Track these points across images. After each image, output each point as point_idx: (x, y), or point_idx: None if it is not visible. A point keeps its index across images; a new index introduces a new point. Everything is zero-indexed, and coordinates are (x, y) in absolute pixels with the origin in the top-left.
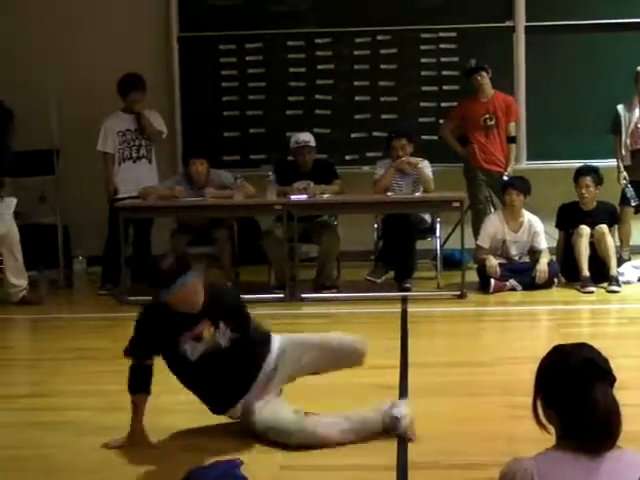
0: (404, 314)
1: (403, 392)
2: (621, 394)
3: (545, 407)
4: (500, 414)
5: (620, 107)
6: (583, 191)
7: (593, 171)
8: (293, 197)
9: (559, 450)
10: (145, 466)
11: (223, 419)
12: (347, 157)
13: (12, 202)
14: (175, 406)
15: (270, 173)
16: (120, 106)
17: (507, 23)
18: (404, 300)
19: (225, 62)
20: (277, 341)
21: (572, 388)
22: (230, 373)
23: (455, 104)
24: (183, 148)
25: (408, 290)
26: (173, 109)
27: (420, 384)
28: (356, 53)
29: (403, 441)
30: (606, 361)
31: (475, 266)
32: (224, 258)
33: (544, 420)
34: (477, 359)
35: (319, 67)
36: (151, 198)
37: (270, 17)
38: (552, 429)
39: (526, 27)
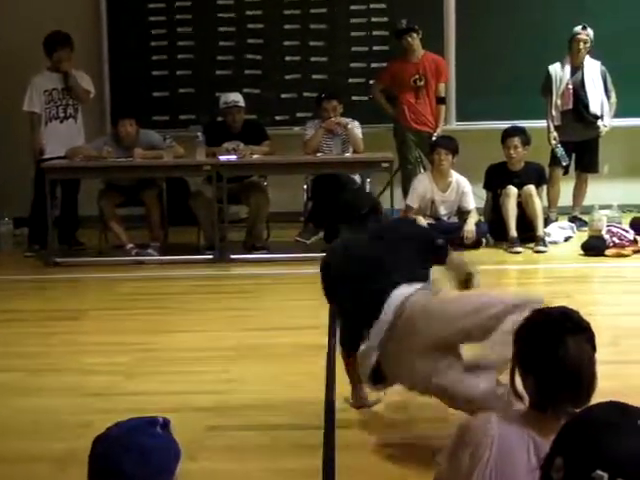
0: None
1: (331, 350)
2: None
3: (522, 372)
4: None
5: (551, 68)
6: (511, 152)
7: (521, 132)
8: (222, 157)
9: (524, 420)
10: (78, 428)
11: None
12: (277, 117)
13: None
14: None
15: (199, 133)
16: (47, 65)
17: None
18: None
19: (154, 21)
20: None
21: (544, 341)
22: None
23: (385, 65)
24: (111, 108)
25: None
26: (101, 69)
27: None
28: (286, 12)
29: (330, 399)
30: (583, 319)
31: None
32: (153, 219)
33: (520, 389)
34: None
35: (249, 26)
36: (78, 158)
37: None
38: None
39: None
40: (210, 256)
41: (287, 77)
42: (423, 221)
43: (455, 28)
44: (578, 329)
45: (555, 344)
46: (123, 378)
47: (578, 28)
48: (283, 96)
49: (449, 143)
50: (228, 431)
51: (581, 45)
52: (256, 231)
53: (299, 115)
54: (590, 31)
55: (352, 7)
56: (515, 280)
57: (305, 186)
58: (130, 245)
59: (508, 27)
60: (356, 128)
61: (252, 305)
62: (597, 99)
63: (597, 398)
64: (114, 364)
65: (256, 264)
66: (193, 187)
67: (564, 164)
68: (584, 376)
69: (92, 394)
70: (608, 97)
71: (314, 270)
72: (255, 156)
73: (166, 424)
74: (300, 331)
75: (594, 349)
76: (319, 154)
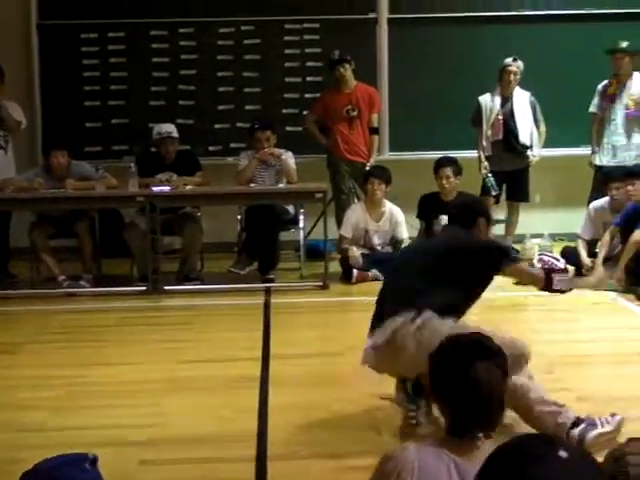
0: (267, 305)
1: (265, 383)
2: None
3: (435, 397)
4: (364, 403)
5: (482, 98)
6: (443, 182)
7: (453, 162)
8: (155, 189)
9: (440, 444)
10: (8, 465)
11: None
12: (210, 148)
13: None
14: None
15: (132, 164)
16: None
17: (370, 15)
18: (268, 291)
19: (87, 51)
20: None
21: (455, 366)
22: None
23: (318, 95)
24: (43, 139)
25: (272, 281)
26: (33, 99)
27: (282, 375)
28: (220, 43)
29: (263, 432)
30: (493, 345)
31: (339, 257)
32: (85, 250)
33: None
34: (339, 349)
35: (182, 57)
36: (9, 190)
37: (133, 6)
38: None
39: (389, 19)
40: (143, 287)
41: (220, 108)
42: (356, 251)
43: (388, 59)
44: (488, 354)
45: (465, 369)
46: (55, 413)
47: (509, 60)
48: (216, 127)
49: (382, 173)
50: (160, 465)
51: (511, 77)
52: (190, 262)
53: (233, 146)
54: (520, 63)
55: (285, 38)
56: None
57: (239, 217)
58: (62, 277)
59: (440, 58)
60: (290, 159)
61: (185, 337)
62: (527, 129)
63: None
64: (47, 398)
65: (190, 295)
66: (126, 218)
67: (494, 194)
68: (494, 400)
69: (24, 430)
70: (537, 127)
71: (248, 301)
72: (188, 187)
73: (94, 461)
74: (234, 363)
75: (505, 374)
76: (252, 185)
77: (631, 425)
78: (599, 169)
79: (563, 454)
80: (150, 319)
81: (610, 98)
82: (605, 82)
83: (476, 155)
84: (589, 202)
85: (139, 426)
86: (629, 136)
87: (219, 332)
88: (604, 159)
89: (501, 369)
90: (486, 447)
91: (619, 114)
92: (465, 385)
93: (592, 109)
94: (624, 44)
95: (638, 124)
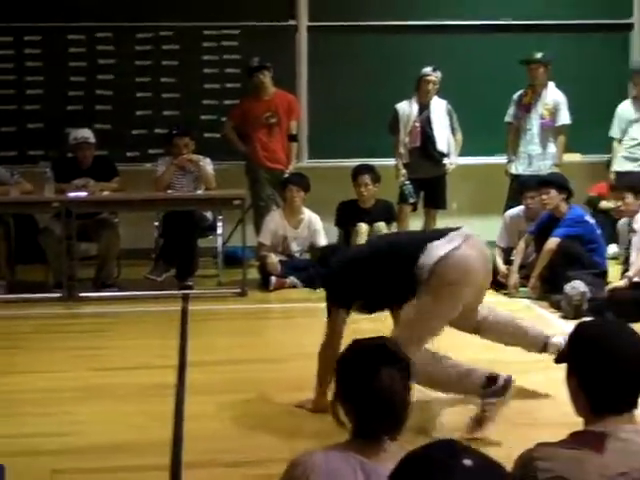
0: (184, 312)
1: (181, 390)
2: None
3: (342, 401)
4: (281, 411)
5: (399, 106)
6: (362, 189)
7: (371, 169)
8: (71, 194)
9: (347, 447)
10: None
11: None
12: (128, 154)
13: None
14: None
15: (48, 169)
16: None
17: (290, 22)
18: (185, 298)
19: (1, 55)
20: None
21: (360, 372)
22: None
23: (237, 102)
24: None
25: (189, 288)
26: None
27: (198, 382)
28: (138, 48)
29: (178, 440)
30: (398, 351)
31: (257, 264)
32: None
33: (342, 417)
34: (256, 356)
35: (100, 62)
36: None
37: (50, 9)
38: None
39: (308, 26)
40: (59, 294)
41: (138, 113)
42: (275, 258)
43: (307, 66)
44: (393, 360)
45: (369, 375)
46: None
47: (428, 69)
48: (134, 132)
49: (301, 180)
50: (74, 474)
51: (430, 86)
52: (106, 268)
53: (151, 152)
54: (439, 73)
55: (204, 44)
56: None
57: (156, 223)
58: None
59: (358, 66)
60: (208, 165)
61: (101, 344)
62: (444, 137)
63: None
64: None
65: (106, 302)
66: (42, 224)
67: (412, 201)
68: (397, 405)
69: None
70: (454, 135)
71: (165, 308)
72: (105, 193)
73: (1, 470)
74: (149, 370)
75: (409, 379)
76: (170, 191)
77: (539, 431)
78: (515, 178)
79: (467, 462)
80: (65, 326)
81: (525, 108)
82: (520, 92)
83: (394, 162)
84: (505, 210)
85: (51, 435)
86: (544, 145)
87: (135, 339)
88: (520, 168)
89: (405, 374)
90: (392, 449)
91: (534, 124)
92: (370, 391)
93: (507, 119)
94: (539, 55)
95: (553, 133)
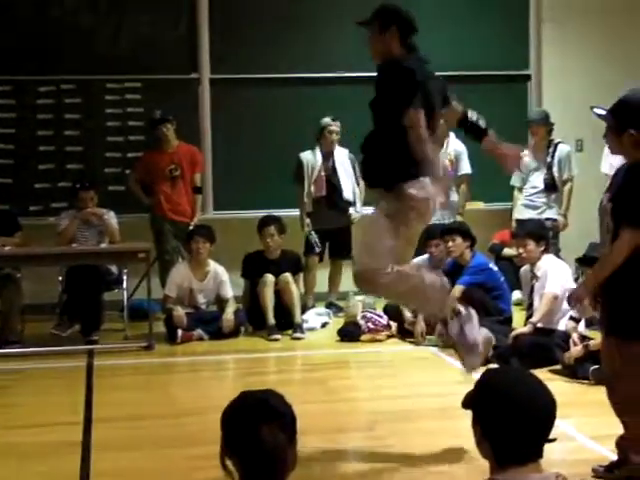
0: (90, 368)
1: (86, 448)
2: (304, 439)
3: (229, 454)
4: (183, 466)
5: (303, 155)
6: (268, 240)
7: (276, 220)
8: None
9: None
10: None
11: None
12: (31, 208)
13: None
14: None
15: None
16: None
17: (192, 75)
18: (90, 353)
19: None
20: None
21: (241, 428)
22: None
23: (141, 155)
24: None
25: (95, 343)
26: None
27: (104, 439)
28: (39, 102)
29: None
30: (280, 406)
31: (164, 317)
32: None
33: (230, 467)
34: (164, 411)
35: (0, 116)
36: None
37: None
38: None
39: (211, 79)
40: None
41: (41, 167)
42: (181, 311)
43: (210, 118)
44: (273, 417)
45: (250, 432)
46: None
47: (328, 120)
48: (37, 186)
49: (206, 232)
50: None
51: (333, 136)
52: (9, 325)
53: (54, 205)
54: (339, 122)
55: (107, 97)
56: (274, 368)
57: (60, 278)
58: None
59: (261, 117)
60: (112, 218)
61: (5, 401)
62: (349, 186)
63: None
64: None
65: (9, 358)
66: None
67: (317, 251)
68: (278, 462)
69: None
70: (358, 184)
71: (70, 364)
72: (7, 248)
73: None
74: (54, 427)
75: (293, 433)
76: (74, 245)
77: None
78: None
79: None
80: None
81: None
82: None
83: (298, 213)
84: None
85: None
86: (447, 195)
87: (40, 396)
88: None
89: (287, 431)
90: None
91: None
92: (251, 447)
93: None
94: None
95: (454, 183)
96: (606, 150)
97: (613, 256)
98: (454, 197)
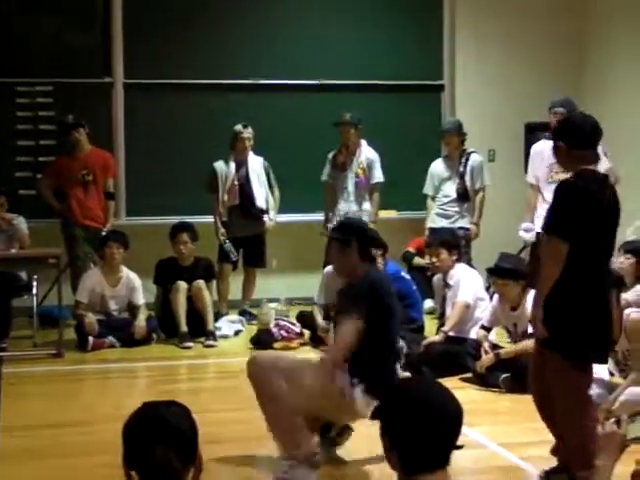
0: None
1: None
2: (212, 448)
3: (128, 466)
4: (98, 474)
5: (217, 165)
6: (180, 247)
7: (189, 227)
8: None
9: None
10: None
11: None
12: None
13: None
14: None
15: None
16: None
17: (105, 79)
18: None
19: None
20: None
21: (137, 446)
22: None
23: (52, 159)
24: None
25: (3, 350)
26: None
27: (9, 448)
28: None
29: None
30: (181, 423)
31: (75, 323)
32: None
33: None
34: (72, 419)
35: None
36: None
37: None
38: None
39: (124, 84)
40: None
41: None
42: (92, 318)
43: (123, 123)
44: (169, 438)
45: (145, 451)
46: None
47: (239, 127)
48: None
49: (121, 237)
50: None
51: (246, 143)
52: None
53: None
54: (250, 129)
55: (18, 100)
56: (186, 375)
57: None
58: None
59: (175, 123)
60: (22, 223)
61: None
62: (262, 194)
63: None
64: None
65: None
66: None
67: (233, 259)
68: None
69: None
70: (272, 192)
71: None
72: None
73: None
74: None
75: (191, 452)
76: None
77: None
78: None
79: None
80: None
81: (341, 167)
82: (334, 151)
83: (212, 220)
84: (324, 267)
85: None
86: (359, 203)
87: None
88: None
89: (183, 451)
90: None
91: (350, 182)
92: (146, 465)
93: (324, 177)
94: (348, 116)
95: (367, 191)
96: (532, 162)
97: (546, 269)
98: (367, 205)
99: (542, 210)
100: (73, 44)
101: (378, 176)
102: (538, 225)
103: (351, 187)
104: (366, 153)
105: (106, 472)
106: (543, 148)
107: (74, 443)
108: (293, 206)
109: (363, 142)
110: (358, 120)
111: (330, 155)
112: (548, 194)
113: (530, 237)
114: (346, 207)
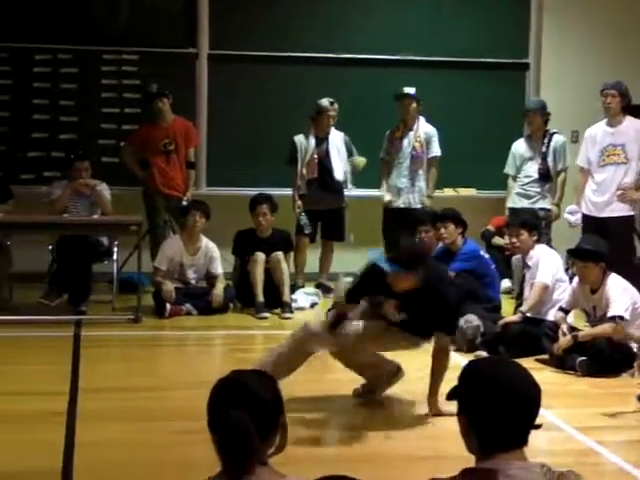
0: (77, 338)
1: (71, 418)
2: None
3: (210, 429)
4: (172, 440)
5: (297, 138)
6: (259, 219)
7: (268, 199)
8: None
9: (220, 477)
10: None
11: None
12: (23, 176)
13: None
14: None
15: None
16: None
17: (190, 50)
18: (78, 324)
19: None
20: None
21: (214, 409)
22: None
23: (136, 127)
24: None
25: (83, 313)
26: None
27: (91, 410)
28: (35, 70)
29: (67, 468)
30: (261, 391)
31: (152, 290)
32: None
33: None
34: (150, 384)
35: None
36: None
37: None
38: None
39: (209, 55)
40: None
41: (35, 135)
42: (170, 285)
43: (207, 94)
44: (246, 402)
45: (219, 414)
46: None
47: (326, 103)
48: (30, 155)
49: (204, 207)
50: None
51: (331, 120)
52: None
53: (46, 174)
54: (336, 106)
55: (103, 68)
56: (261, 345)
57: (50, 247)
58: None
59: (257, 95)
60: (105, 190)
61: None
62: (341, 169)
63: None
64: None
65: None
66: None
67: (307, 232)
68: (246, 446)
69: None
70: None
71: (58, 333)
72: None
73: None
74: (40, 397)
75: (271, 420)
76: (66, 215)
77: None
78: (390, 210)
79: None
80: None
81: (398, 141)
82: (392, 128)
83: (291, 193)
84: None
85: None
86: (412, 179)
87: (26, 365)
88: (390, 199)
89: (259, 417)
90: (262, 474)
91: (406, 157)
92: (219, 428)
93: (382, 154)
94: (410, 90)
95: (422, 166)
96: (585, 145)
97: None
98: (421, 181)
99: (590, 193)
100: (159, 14)
101: (436, 150)
102: (584, 208)
103: (407, 162)
104: (424, 128)
105: (180, 438)
106: (596, 132)
107: (149, 408)
108: (371, 180)
109: (421, 118)
110: (419, 96)
111: (388, 132)
112: (599, 177)
113: (575, 220)
114: (399, 183)
